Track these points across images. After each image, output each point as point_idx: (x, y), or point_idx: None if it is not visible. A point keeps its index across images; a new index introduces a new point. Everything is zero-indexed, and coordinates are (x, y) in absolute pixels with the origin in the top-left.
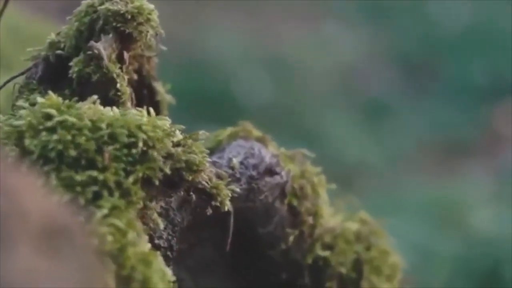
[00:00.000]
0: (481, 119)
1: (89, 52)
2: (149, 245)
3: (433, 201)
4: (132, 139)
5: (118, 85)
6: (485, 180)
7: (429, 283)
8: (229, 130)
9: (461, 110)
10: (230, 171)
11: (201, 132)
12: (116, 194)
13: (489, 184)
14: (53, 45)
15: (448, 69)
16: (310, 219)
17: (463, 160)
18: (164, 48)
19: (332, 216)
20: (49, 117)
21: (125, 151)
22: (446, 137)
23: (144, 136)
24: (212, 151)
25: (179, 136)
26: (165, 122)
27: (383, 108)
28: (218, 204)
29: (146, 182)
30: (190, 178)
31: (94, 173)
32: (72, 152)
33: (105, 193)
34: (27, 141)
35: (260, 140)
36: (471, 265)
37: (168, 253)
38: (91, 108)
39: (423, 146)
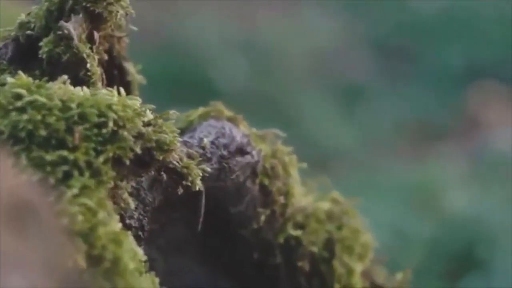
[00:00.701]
0: (457, 102)
1: (59, 32)
2: (120, 225)
3: (408, 183)
4: (103, 119)
5: (88, 65)
6: (459, 162)
7: (403, 264)
8: (200, 110)
9: (436, 93)
10: (201, 151)
11: (171, 111)
12: (87, 173)
13: (464, 166)
14: (23, 26)
15: (424, 53)
16: (281, 199)
17: (438, 143)
18: (134, 28)
19: (304, 195)
20: (19, 97)
21: (95, 130)
22: (421, 120)
23: (115, 116)
24: (183, 131)
25: (149, 115)
26: (136, 102)
27: (360, 92)
28: (189, 183)
29: (116, 162)
30: (161, 157)
31: (64, 152)
32: (42, 132)
33: (76, 172)
34: None
35: (231, 120)
36: (445, 246)
37: (139, 233)
38: (61, 88)
39: (398, 129)
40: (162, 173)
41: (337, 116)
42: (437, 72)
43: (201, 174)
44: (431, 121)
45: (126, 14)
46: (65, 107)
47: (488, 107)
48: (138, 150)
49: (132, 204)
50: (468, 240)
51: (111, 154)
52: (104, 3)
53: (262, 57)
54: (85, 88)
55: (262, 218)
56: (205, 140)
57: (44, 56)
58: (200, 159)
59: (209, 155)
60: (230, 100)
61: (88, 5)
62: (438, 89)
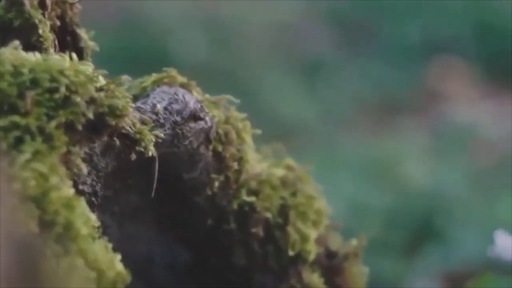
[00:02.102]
0: (417, 77)
1: None
2: (72, 190)
3: (368, 156)
4: (55, 84)
5: (40, 31)
6: (419, 135)
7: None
8: (153, 76)
9: (397, 68)
10: (154, 117)
11: (124, 77)
12: (39, 139)
13: (423, 139)
14: None
15: (384, 28)
16: (235, 165)
17: (399, 117)
18: None
19: (258, 162)
20: None
21: (47, 96)
22: (382, 95)
23: (67, 81)
24: (136, 98)
25: (102, 81)
26: (88, 67)
27: (320, 67)
28: (142, 149)
29: (69, 127)
30: (114, 123)
31: (16, 118)
32: None
33: (28, 138)
34: None
35: (184, 86)
36: (403, 217)
37: (93, 199)
38: (13, 53)
39: (359, 104)
40: (115, 138)
41: (297, 90)
42: (397, 47)
43: (154, 140)
44: (391, 95)
45: None
46: (16, 73)
47: (447, 82)
48: (90, 115)
49: (85, 170)
50: (426, 212)
51: (63, 120)
52: None
53: (223, 31)
54: (37, 53)
55: (216, 184)
56: (158, 106)
57: None
58: (153, 125)
59: (162, 121)
60: (190, 74)
61: None
62: (398, 64)
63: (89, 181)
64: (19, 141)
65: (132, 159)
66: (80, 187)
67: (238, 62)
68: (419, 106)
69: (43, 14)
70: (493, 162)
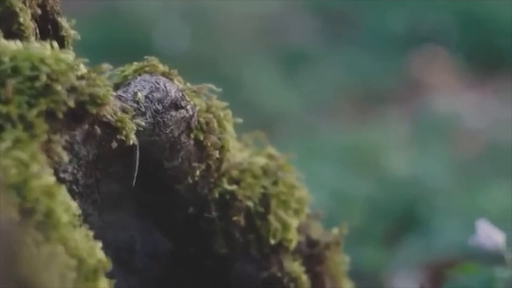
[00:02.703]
0: (399, 66)
1: None
2: (53, 178)
3: (350, 146)
4: (35, 72)
5: (21, 19)
6: (401, 125)
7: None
8: (135, 65)
9: (379, 58)
10: (135, 105)
11: (104, 65)
12: (20, 127)
13: (405, 129)
14: None
15: (366, 17)
16: (216, 153)
17: (381, 107)
18: None
19: (239, 151)
20: None
21: (28, 84)
22: (364, 84)
23: (48, 69)
24: (118, 86)
25: (83, 69)
26: (69, 55)
27: (303, 57)
28: (123, 137)
29: (49, 115)
30: (95, 111)
31: None
32: None
33: (8, 125)
34: None
35: (165, 74)
36: (385, 206)
37: (74, 187)
38: None
39: (342, 93)
40: (96, 127)
41: (280, 80)
42: (380, 37)
43: (135, 128)
44: (374, 85)
45: None
46: None
47: (430, 72)
48: (71, 103)
49: (66, 158)
50: (408, 201)
51: (44, 108)
52: None
53: (205, 21)
54: (18, 41)
55: (197, 172)
56: (139, 95)
57: None
58: (134, 113)
59: (143, 110)
60: (172, 63)
61: None
62: (381, 54)
63: (70, 169)
64: None
65: (113, 147)
66: (61, 175)
67: (221, 52)
68: (402, 96)
69: (24, 3)
70: (475, 152)
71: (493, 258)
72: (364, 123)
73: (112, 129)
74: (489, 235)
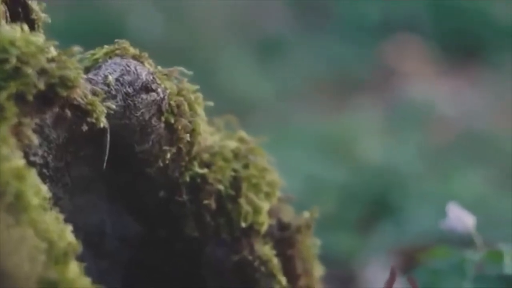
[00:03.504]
0: (373, 54)
1: None
2: (23, 161)
3: (325, 133)
4: (5, 55)
5: None
6: (375, 113)
7: (319, 209)
8: (105, 48)
9: (353, 46)
10: (106, 88)
11: (75, 48)
12: None
13: (380, 116)
14: None
15: (340, 6)
16: (187, 137)
17: (355, 94)
18: None
19: (211, 134)
20: None
21: None
22: (339, 72)
23: (17, 52)
24: (88, 70)
25: (53, 52)
26: (39, 38)
27: (277, 45)
28: (93, 120)
29: (19, 98)
30: (65, 94)
31: None
32: None
33: None
34: None
35: (136, 57)
36: (360, 193)
37: (44, 170)
38: None
39: (316, 81)
40: (66, 110)
41: (254, 68)
42: (354, 25)
43: (105, 111)
44: (348, 72)
45: None
46: None
47: (404, 59)
48: (41, 86)
49: (36, 141)
50: (381, 187)
51: (14, 91)
52: None
53: (178, 8)
54: None
55: (168, 156)
56: (110, 78)
57: None
58: (105, 96)
59: (114, 93)
60: (146, 50)
61: None
62: (355, 42)
63: (40, 152)
64: None
65: (84, 130)
66: (31, 158)
67: (194, 39)
68: (376, 84)
69: None
70: (449, 139)
71: (465, 243)
72: (338, 110)
73: (83, 112)
74: (460, 218)
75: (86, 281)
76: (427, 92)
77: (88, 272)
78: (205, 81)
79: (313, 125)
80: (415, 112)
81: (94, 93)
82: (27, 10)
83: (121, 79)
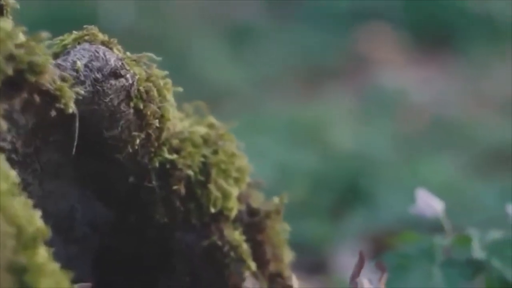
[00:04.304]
0: (345, 42)
1: None
2: None
3: (296, 120)
4: None
5: None
6: (347, 100)
7: (290, 197)
8: (74, 34)
9: (325, 33)
10: (74, 74)
11: (43, 33)
12: None
13: (351, 104)
14: None
15: None
16: (156, 122)
17: (327, 82)
18: None
19: (180, 120)
20: None
21: None
22: (310, 60)
23: None
24: (57, 55)
25: (21, 38)
26: (7, 24)
27: (249, 32)
28: (62, 106)
29: None
30: (33, 80)
31: None
32: None
33: None
34: None
35: (105, 43)
36: (331, 179)
37: (13, 155)
38: None
39: (288, 69)
40: (35, 95)
41: (225, 55)
42: (325, 12)
43: (74, 97)
44: (320, 60)
45: None
46: None
47: (375, 47)
48: (10, 72)
49: (5, 126)
50: (352, 174)
51: None
52: None
53: None
54: None
55: (137, 141)
56: (79, 63)
57: None
58: (74, 82)
59: (82, 78)
60: (117, 39)
61: None
62: (327, 29)
63: (9, 137)
64: None
65: (52, 116)
66: (0, 143)
67: (167, 27)
68: (347, 71)
69: None
70: (419, 126)
71: (435, 228)
72: (309, 98)
73: (51, 98)
74: (428, 203)
75: (55, 266)
76: (398, 80)
77: (57, 257)
78: (177, 68)
79: (285, 113)
80: (386, 99)
81: (63, 79)
82: None
83: (90, 65)
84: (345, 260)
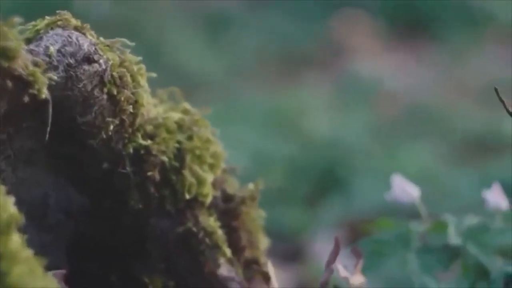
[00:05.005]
0: (321, 30)
1: None
2: None
3: (272, 108)
4: None
5: None
6: (323, 88)
7: (267, 184)
8: (47, 19)
9: (301, 21)
10: (47, 59)
11: (15, 18)
12: None
13: (327, 92)
14: None
15: None
16: (130, 108)
17: (303, 70)
18: None
19: (154, 106)
20: None
21: None
22: (286, 48)
23: None
24: (30, 41)
25: None
26: None
27: (224, 20)
28: (35, 92)
29: None
30: (6, 65)
31: None
32: None
33: None
34: None
35: (78, 29)
36: (307, 167)
37: None
38: None
39: (264, 57)
40: (8, 81)
41: (201, 44)
42: (301, 1)
43: (47, 82)
44: (295, 48)
45: None
46: None
47: (351, 35)
48: None
49: None
50: (329, 162)
51: None
52: None
53: None
54: None
55: (111, 127)
56: (52, 49)
57: None
58: (47, 67)
59: (55, 64)
60: (92, 27)
61: None
62: (302, 18)
63: None
64: None
65: (25, 101)
66: None
67: (141, 15)
68: (323, 59)
69: None
70: (396, 114)
71: (411, 215)
72: (285, 85)
73: (24, 83)
74: (404, 189)
75: (29, 253)
76: (374, 67)
77: (31, 244)
78: (151, 57)
79: (261, 101)
80: (363, 87)
81: (36, 64)
82: None
83: (62, 50)
84: (321, 247)
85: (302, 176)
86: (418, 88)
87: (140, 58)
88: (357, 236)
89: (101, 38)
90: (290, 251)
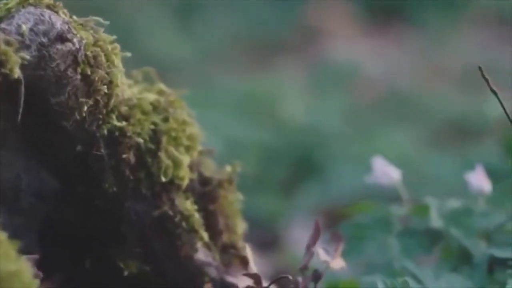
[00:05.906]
0: (296, 14)
1: None
2: None
3: (247, 94)
4: None
5: None
6: (299, 73)
7: (242, 171)
8: None
9: (276, 5)
10: (20, 38)
11: None
12: None
13: (303, 77)
14: None
15: None
16: (104, 88)
17: (278, 55)
18: None
19: (129, 86)
20: None
21: None
22: (261, 33)
23: None
24: (1, 20)
25: None
26: None
27: (197, 5)
28: (7, 71)
29: None
30: None
31: None
32: None
33: None
34: None
35: (50, 7)
36: (283, 153)
37: None
38: None
39: (238, 42)
40: None
41: (174, 29)
42: None
43: (19, 61)
44: (270, 33)
45: None
46: None
47: (327, 19)
48: None
49: None
50: (305, 148)
51: None
52: None
53: None
54: None
55: (85, 108)
56: (24, 27)
57: None
58: (19, 46)
59: (28, 43)
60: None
61: None
62: (277, 2)
63: None
64: None
65: None
66: None
67: (112, 1)
68: (299, 44)
69: None
70: (373, 99)
71: (391, 199)
72: (260, 71)
73: None
74: (384, 171)
75: (2, 236)
76: (350, 52)
77: (3, 228)
78: (125, 43)
79: (235, 86)
80: (339, 72)
81: (8, 43)
82: None
83: (35, 28)
84: (298, 235)
85: (278, 162)
86: (395, 72)
87: (114, 37)
88: (334, 223)
89: (74, 17)
90: (266, 238)
